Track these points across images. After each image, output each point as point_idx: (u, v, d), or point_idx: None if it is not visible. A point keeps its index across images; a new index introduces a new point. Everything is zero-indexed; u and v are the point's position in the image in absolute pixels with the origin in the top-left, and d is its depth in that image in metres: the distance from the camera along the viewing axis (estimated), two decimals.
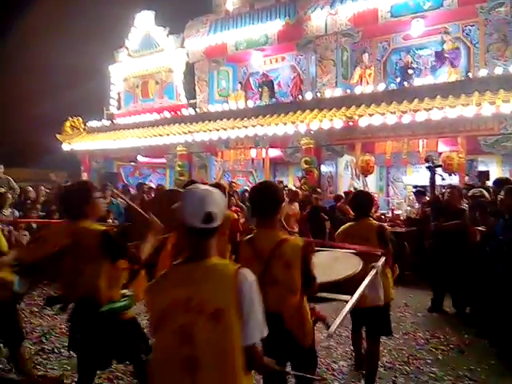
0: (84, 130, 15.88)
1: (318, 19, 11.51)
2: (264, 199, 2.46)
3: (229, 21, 13.23)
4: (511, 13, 9.37)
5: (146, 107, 15.34)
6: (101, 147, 14.41)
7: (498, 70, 8.81)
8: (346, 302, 2.51)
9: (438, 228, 5.70)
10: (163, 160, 14.05)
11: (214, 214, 1.66)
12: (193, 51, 14.09)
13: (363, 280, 2.73)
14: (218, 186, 3.80)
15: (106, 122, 15.63)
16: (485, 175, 7.50)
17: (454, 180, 8.86)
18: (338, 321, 2.34)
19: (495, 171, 9.93)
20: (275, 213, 2.48)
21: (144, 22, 15.18)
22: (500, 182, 4.88)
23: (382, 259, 3.19)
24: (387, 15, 10.80)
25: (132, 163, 15.68)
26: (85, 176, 15.28)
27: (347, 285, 2.69)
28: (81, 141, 15.25)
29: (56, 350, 4.43)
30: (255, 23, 12.62)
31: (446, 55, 10.57)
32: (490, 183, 6.86)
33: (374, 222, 3.78)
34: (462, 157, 8.92)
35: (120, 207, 8.32)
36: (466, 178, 9.31)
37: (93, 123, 15.73)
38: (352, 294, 2.54)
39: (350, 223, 3.78)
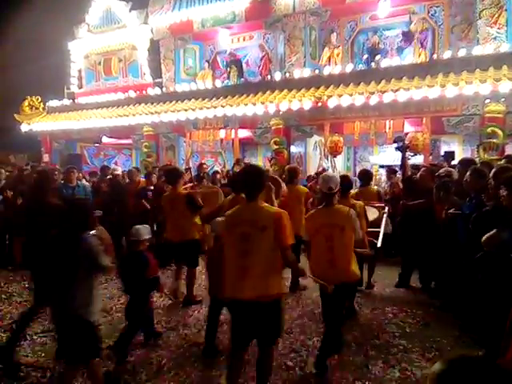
0: (44, 109, 15.19)
1: None
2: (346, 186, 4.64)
3: None
4: None
5: (109, 86, 14.82)
6: (62, 128, 13.85)
7: (462, 52, 9.01)
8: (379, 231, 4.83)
9: (404, 206, 5.90)
10: (129, 141, 13.72)
11: (332, 187, 3.65)
12: (157, 28, 13.68)
13: (379, 220, 5.04)
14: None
15: (67, 102, 15.00)
16: (450, 155, 7.74)
17: (419, 159, 9.14)
18: (380, 238, 4.67)
19: (457, 151, 10.31)
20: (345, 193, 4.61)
21: None
22: (465, 163, 5.04)
23: (386, 208, 5.34)
24: None
25: (96, 144, 15.21)
26: (46, 158, 14.72)
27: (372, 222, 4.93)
28: (41, 121, 14.60)
29: (28, 337, 4.33)
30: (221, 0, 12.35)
31: (413, 35, 10.69)
32: (454, 163, 7.10)
33: (374, 188, 6.28)
34: (426, 137, 9.17)
35: (87, 190, 8.06)
36: (430, 157, 9.62)
37: (53, 102, 15.04)
38: (376, 228, 4.87)
39: (359, 188, 5.96)
